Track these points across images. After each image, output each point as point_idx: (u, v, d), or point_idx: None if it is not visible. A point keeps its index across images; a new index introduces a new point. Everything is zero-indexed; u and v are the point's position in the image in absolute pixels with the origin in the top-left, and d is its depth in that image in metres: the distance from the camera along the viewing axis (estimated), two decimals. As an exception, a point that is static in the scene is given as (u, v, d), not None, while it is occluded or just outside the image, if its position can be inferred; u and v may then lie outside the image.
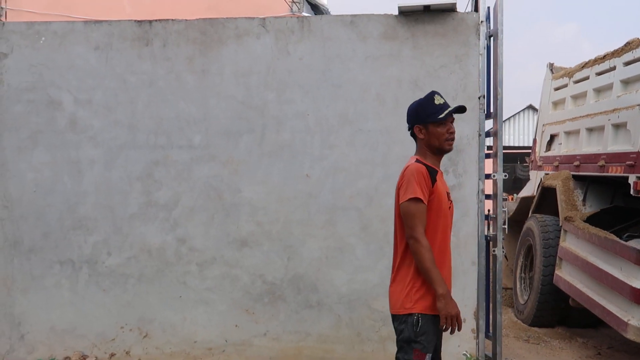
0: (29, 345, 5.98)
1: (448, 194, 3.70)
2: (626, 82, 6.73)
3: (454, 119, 3.73)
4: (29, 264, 5.98)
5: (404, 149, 5.68)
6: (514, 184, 24.87)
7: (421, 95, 5.59)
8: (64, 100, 5.98)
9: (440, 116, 3.61)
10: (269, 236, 5.84)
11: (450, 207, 3.69)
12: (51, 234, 5.97)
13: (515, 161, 28.41)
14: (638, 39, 6.62)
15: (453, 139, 3.70)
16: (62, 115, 5.98)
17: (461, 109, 3.73)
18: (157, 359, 5.89)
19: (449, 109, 3.66)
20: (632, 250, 5.71)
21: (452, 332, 3.45)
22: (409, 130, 3.75)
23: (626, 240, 6.02)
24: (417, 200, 3.47)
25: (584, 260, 6.61)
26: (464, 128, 5.61)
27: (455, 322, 3.43)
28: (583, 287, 6.65)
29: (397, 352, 3.62)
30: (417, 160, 3.62)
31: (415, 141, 3.75)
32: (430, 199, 3.53)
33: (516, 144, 33.85)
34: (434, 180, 3.55)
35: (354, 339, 5.74)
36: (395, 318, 3.64)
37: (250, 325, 5.84)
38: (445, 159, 5.56)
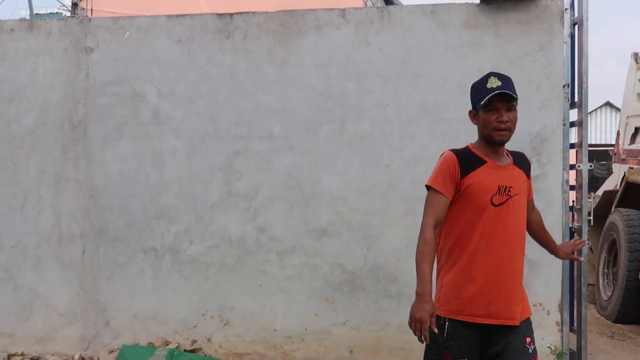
0: (113, 331, 6.14)
1: (506, 187, 3.24)
2: None
3: (513, 106, 3.27)
4: (114, 252, 6.15)
5: (486, 138, 5.60)
6: (590, 182, 24.24)
7: (504, 84, 5.54)
8: (148, 93, 6.12)
9: (482, 102, 3.23)
10: (349, 226, 5.84)
11: (504, 203, 3.22)
12: (135, 223, 6.12)
13: (593, 159, 27.73)
14: None
15: (505, 130, 3.24)
16: (146, 107, 6.12)
17: (505, 93, 3.23)
18: (238, 346, 5.96)
19: (491, 93, 3.21)
20: None
21: (419, 339, 3.09)
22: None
23: None
24: (430, 188, 3.28)
25: (673, 254, 6.40)
26: (547, 117, 5.50)
27: (418, 326, 3.06)
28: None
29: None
30: (464, 147, 3.36)
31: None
32: (460, 192, 3.23)
33: (593, 142, 32.98)
34: (466, 171, 3.22)
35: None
36: None
37: (329, 314, 5.86)
38: (528, 148, 5.52)
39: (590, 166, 5.57)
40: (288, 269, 5.92)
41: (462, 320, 3.21)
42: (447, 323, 3.23)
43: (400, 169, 5.77)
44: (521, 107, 5.51)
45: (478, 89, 3.30)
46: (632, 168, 8.06)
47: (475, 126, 5.50)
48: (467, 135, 5.60)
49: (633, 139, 8.44)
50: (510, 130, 3.27)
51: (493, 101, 3.22)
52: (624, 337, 6.99)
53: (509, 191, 3.25)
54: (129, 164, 6.13)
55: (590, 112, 34.60)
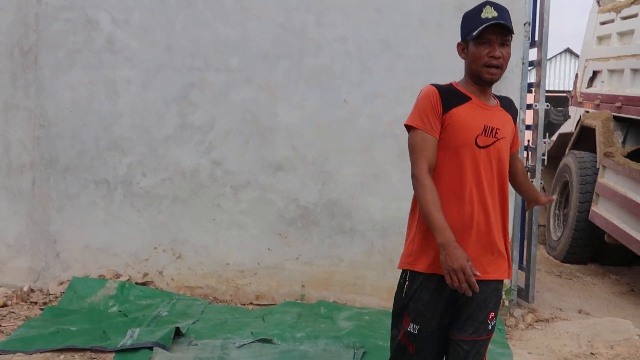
0: (63, 263, 6.06)
1: (492, 129, 2.85)
2: None
3: (507, 41, 2.91)
4: (65, 182, 6.02)
5: (446, 76, 5.51)
6: (547, 128, 24.46)
7: (464, 20, 5.48)
8: (102, 20, 5.91)
9: (474, 33, 2.82)
10: (304, 161, 5.80)
11: (490, 146, 2.84)
12: (86, 153, 5.98)
13: (550, 105, 27.97)
14: None
15: (496, 66, 2.85)
16: (99, 35, 5.92)
17: (500, 25, 2.84)
18: (189, 279, 5.94)
19: (485, 24, 2.81)
20: (675, 185, 5.61)
21: (461, 290, 2.66)
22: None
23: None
24: (412, 129, 2.86)
25: (623, 196, 6.52)
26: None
27: (462, 276, 2.63)
28: (620, 222, 6.58)
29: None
30: (446, 84, 2.95)
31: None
32: (442, 128, 2.83)
33: (551, 88, 33.27)
34: (448, 106, 2.83)
35: (386, 266, 5.74)
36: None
37: (282, 249, 5.86)
38: (486, 85, 5.49)
39: (547, 106, 5.60)
40: (242, 204, 5.88)
41: (432, 274, 2.83)
42: (408, 278, 2.90)
43: (359, 104, 5.71)
44: (481, 44, 5.49)
45: (470, 19, 2.88)
46: (588, 112, 8.12)
47: (438, 65, 5.50)
48: (427, 73, 5.58)
49: (591, 83, 8.49)
50: (502, 68, 2.88)
51: (486, 33, 2.83)
52: (571, 277, 7.15)
53: (495, 133, 2.86)
54: (81, 93, 5.96)
55: (550, 58, 34.72)
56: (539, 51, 5.60)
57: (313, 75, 5.74)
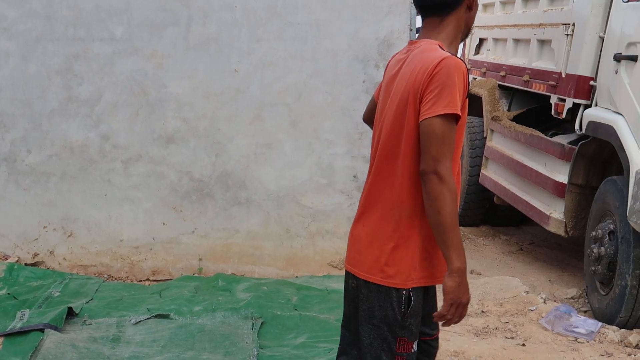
0: (-54, 247, 5.77)
1: None
2: None
3: None
4: (-57, 162, 5.71)
5: (334, 43, 5.58)
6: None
7: (352, -13, 5.50)
8: (-26, -12, 5.59)
9: None
10: (196, 133, 5.70)
11: None
12: (-35, 131, 5.68)
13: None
14: None
15: None
16: (-28, 4, 5.60)
17: None
18: (82, 258, 5.77)
19: None
20: (556, 146, 5.84)
21: (447, 324, 2.40)
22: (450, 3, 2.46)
23: (551, 137, 6.14)
24: (453, 118, 2.29)
25: (510, 158, 6.74)
26: (394, 22, 5.52)
27: (464, 312, 2.37)
28: (508, 184, 6.81)
29: (366, 333, 2.49)
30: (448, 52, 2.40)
31: (441, 18, 2.48)
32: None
33: (445, 57, 34.00)
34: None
35: (282, 235, 5.74)
36: (365, 284, 2.49)
37: (177, 223, 5.76)
38: (375, 52, 5.55)
39: (435, 72, 5.67)
40: (134, 178, 5.73)
41: (426, 287, 2.52)
42: (412, 296, 2.43)
43: (249, 73, 5.65)
44: (368, 11, 5.53)
45: None
46: (476, 79, 8.33)
47: (326, 32, 5.49)
48: (316, 39, 5.57)
49: (478, 50, 8.70)
50: None
51: None
52: (464, 239, 7.36)
53: None
54: (-45, 67, 5.63)
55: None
56: (426, 17, 5.67)
57: (201, 44, 5.62)
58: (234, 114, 5.67)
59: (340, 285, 5.26)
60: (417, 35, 5.58)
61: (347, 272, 2.63)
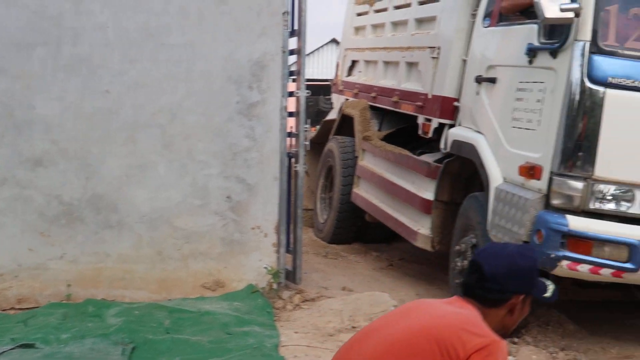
0: None
1: None
2: (420, 21, 6.98)
3: None
4: None
5: (208, 64, 5.59)
6: (317, 116, 25.38)
7: (226, 8, 5.54)
8: None
9: (547, 294, 2.54)
10: (66, 155, 5.53)
11: None
12: None
13: (319, 94, 29.05)
14: None
15: None
16: None
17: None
18: (-58, 287, 5.46)
19: (550, 286, 2.56)
20: (423, 164, 6.09)
21: None
22: (497, 291, 2.43)
23: (418, 156, 6.40)
24: None
25: (380, 177, 6.96)
26: (268, 44, 5.59)
27: None
28: (379, 202, 7.02)
29: None
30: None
31: (493, 307, 2.44)
32: None
33: (320, 77, 34.57)
34: None
35: (155, 258, 5.66)
36: None
37: (45, 249, 5.55)
38: (248, 73, 5.60)
39: (308, 93, 5.81)
40: (-1, 202, 5.50)
41: None
42: None
43: (121, 94, 5.55)
44: (242, 33, 5.59)
45: (537, 273, 2.58)
46: (348, 100, 8.54)
47: (200, 53, 5.49)
48: (190, 60, 5.57)
49: (350, 72, 8.93)
50: None
51: None
52: (337, 256, 7.51)
53: None
54: None
55: (317, 48, 36.18)
56: (299, 40, 5.80)
57: (72, 65, 5.48)
58: (105, 135, 5.55)
59: (214, 307, 5.28)
60: (290, 57, 5.70)
61: None
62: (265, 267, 5.75)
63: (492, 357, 2.26)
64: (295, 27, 5.84)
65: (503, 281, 2.40)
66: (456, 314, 2.39)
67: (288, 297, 5.69)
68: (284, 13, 5.65)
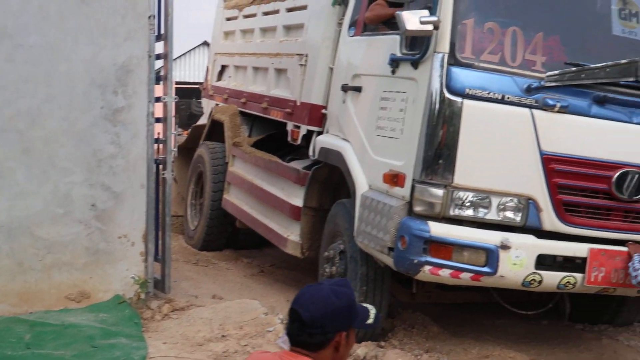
0: None
1: None
2: (288, 28, 7.02)
3: None
4: None
5: (70, 67, 5.39)
6: (189, 120, 25.03)
7: (89, 10, 5.36)
8: None
9: (370, 321, 2.59)
10: None
11: None
12: None
13: (191, 97, 28.68)
14: None
15: None
16: None
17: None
18: None
19: (372, 311, 2.62)
20: (292, 171, 6.13)
21: None
22: (319, 334, 2.45)
23: (288, 162, 6.44)
24: None
25: (250, 183, 6.94)
26: (133, 48, 5.45)
27: None
28: (249, 208, 7.00)
29: None
30: None
31: (319, 350, 2.47)
32: None
33: (192, 80, 34.17)
34: None
35: (14, 270, 5.38)
36: None
37: None
38: (113, 78, 5.44)
39: (176, 98, 5.72)
40: None
41: None
42: None
43: (-25, 97, 5.26)
44: (106, 36, 5.43)
45: (356, 305, 2.58)
46: (218, 105, 8.48)
47: (61, 55, 5.28)
48: (50, 62, 5.35)
49: (220, 76, 8.86)
50: None
51: None
52: (208, 264, 7.43)
53: None
54: None
55: (188, 51, 35.79)
56: (165, 44, 5.71)
57: None
58: (-41, 140, 5.24)
59: (78, 319, 5.10)
60: (157, 61, 5.59)
61: None
62: (133, 277, 5.60)
63: None
64: (162, 31, 5.74)
65: (323, 324, 2.42)
66: None
67: (157, 306, 5.57)
68: (150, 17, 5.53)
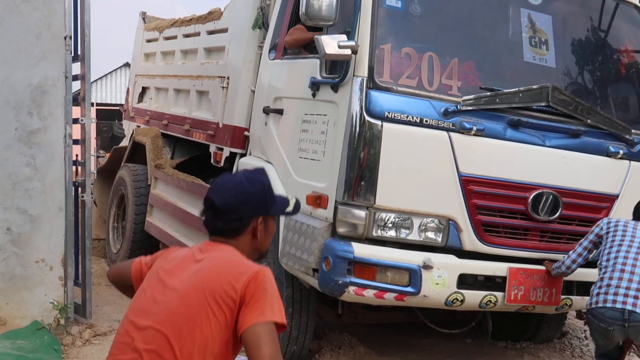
0: None
1: None
2: (209, 51, 7.00)
3: None
4: None
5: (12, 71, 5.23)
6: (111, 141, 24.58)
7: (0, 30, 5.22)
8: None
9: (289, 209, 2.65)
10: None
11: None
12: None
13: (113, 119, 28.20)
14: (220, 9, 6.89)
15: None
16: None
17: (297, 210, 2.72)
18: None
19: (292, 199, 2.67)
20: (214, 193, 6.07)
21: None
22: (234, 220, 2.50)
23: (211, 184, 6.38)
24: (279, 327, 2.34)
25: (173, 205, 6.86)
26: (48, 68, 5.34)
27: None
28: (172, 230, 6.91)
29: None
30: None
31: (236, 237, 2.52)
32: None
33: (115, 102, 33.63)
34: None
35: None
36: None
37: None
38: (28, 99, 5.32)
39: (93, 120, 5.63)
40: None
41: None
42: None
43: None
44: (19, 56, 5.31)
45: (271, 191, 2.65)
46: (140, 127, 8.36)
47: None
48: None
49: (141, 98, 8.75)
50: None
51: None
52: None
53: None
54: None
55: (110, 72, 35.23)
56: (82, 65, 5.61)
57: None
58: None
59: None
60: (75, 82, 5.49)
61: None
62: (52, 302, 5.44)
63: (261, 285, 2.33)
64: (79, 52, 5.64)
65: (237, 209, 2.47)
66: (213, 262, 2.43)
67: (77, 332, 5.44)
68: (65, 37, 5.43)
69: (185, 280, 2.41)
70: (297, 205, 2.69)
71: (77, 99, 5.75)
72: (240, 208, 2.48)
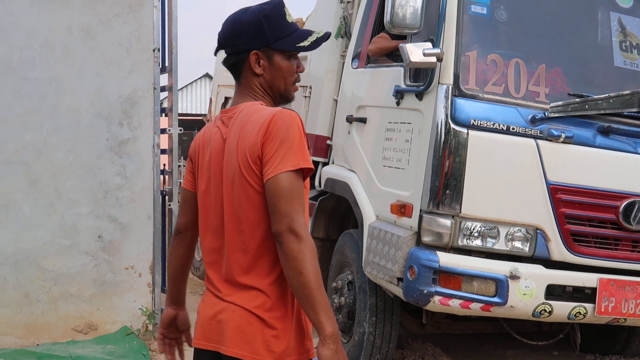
0: None
1: None
2: None
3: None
4: None
5: (76, 99, 5.43)
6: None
7: (94, 43, 5.41)
8: None
9: (304, 43, 2.36)
10: None
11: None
12: None
13: (193, 128, 28.78)
14: (302, 19, 6.95)
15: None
16: None
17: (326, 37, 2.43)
18: None
19: (317, 35, 2.38)
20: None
21: None
22: (232, 54, 2.34)
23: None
24: (301, 173, 2.17)
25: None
26: (138, 80, 5.51)
27: None
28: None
29: None
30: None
31: (240, 76, 2.37)
32: None
33: (195, 111, 34.34)
34: None
35: (21, 301, 5.38)
36: None
37: None
38: (119, 110, 5.48)
39: (180, 130, 5.75)
40: None
41: None
42: None
43: (-19, 130, 5.29)
44: (111, 69, 5.48)
45: (277, 21, 2.32)
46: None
47: (67, 88, 5.31)
48: (56, 95, 5.38)
49: (224, 107, 8.91)
50: None
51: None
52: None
53: None
54: None
55: (190, 83, 35.99)
56: (170, 77, 5.74)
57: None
58: (-36, 173, 5.26)
59: (86, 351, 5.07)
60: (162, 93, 5.63)
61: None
62: (140, 308, 5.59)
63: (272, 134, 2.16)
64: (167, 64, 5.78)
65: (231, 42, 2.30)
66: (235, 131, 2.27)
67: (153, 339, 5.55)
68: (154, 50, 5.58)
69: (227, 166, 2.28)
70: (318, 41, 2.39)
71: (163, 109, 5.90)
72: (233, 40, 2.29)
